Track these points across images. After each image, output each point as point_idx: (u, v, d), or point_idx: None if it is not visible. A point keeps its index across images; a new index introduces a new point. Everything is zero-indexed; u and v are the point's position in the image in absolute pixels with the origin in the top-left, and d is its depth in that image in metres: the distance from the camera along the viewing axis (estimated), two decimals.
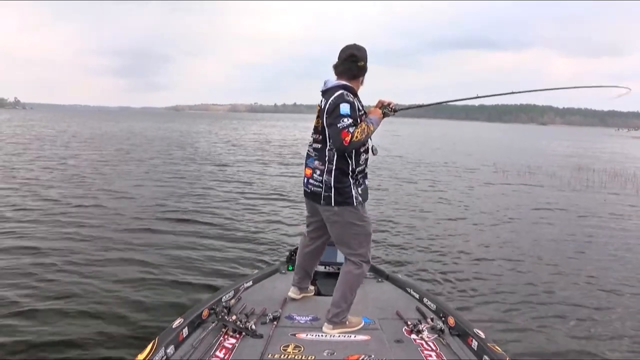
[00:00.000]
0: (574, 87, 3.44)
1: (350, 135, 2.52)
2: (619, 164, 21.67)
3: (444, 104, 3.39)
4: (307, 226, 3.16)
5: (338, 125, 2.54)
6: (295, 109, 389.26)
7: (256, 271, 4.30)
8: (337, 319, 2.77)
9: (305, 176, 2.84)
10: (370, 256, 2.90)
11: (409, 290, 3.48)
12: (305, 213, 3.17)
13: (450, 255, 6.18)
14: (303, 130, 49.43)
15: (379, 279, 3.75)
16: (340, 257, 3.63)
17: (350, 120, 2.56)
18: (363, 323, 2.85)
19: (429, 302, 3.22)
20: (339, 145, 2.55)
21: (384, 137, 36.72)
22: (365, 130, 2.60)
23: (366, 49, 2.79)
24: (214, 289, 4.37)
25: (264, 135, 38.29)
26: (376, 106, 2.85)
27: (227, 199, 9.65)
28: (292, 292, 3.25)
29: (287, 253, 4.18)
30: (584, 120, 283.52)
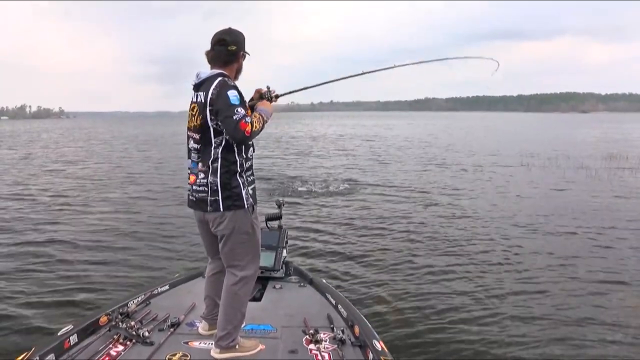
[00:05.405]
0: (433, 61, 3.49)
1: (249, 125, 2.30)
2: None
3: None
4: (205, 246, 2.75)
5: (234, 117, 2.27)
6: (332, 106, 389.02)
7: (177, 274, 3.94)
8: (224, 343, 2.48)
9: (189, 184, 2.50)
10: (253, 270, 2.56)
11: (327, 295, 3.28)
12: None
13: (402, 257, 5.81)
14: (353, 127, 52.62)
15: (302, 284, 3.61)
16: (267, 262, 3.52)
17: (244, 110, 2.32)
18: (259, 348, 2.57)
19: (342, 309, 3.01)
20: (241, 137, 2.30)
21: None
22: (261, 119, 2.42)
23: (244, 34, 2.51)
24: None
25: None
26: (255, 96, 2.70)
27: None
28: (202, 328, 2.79)
29: None
30: (629, 105, 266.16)
